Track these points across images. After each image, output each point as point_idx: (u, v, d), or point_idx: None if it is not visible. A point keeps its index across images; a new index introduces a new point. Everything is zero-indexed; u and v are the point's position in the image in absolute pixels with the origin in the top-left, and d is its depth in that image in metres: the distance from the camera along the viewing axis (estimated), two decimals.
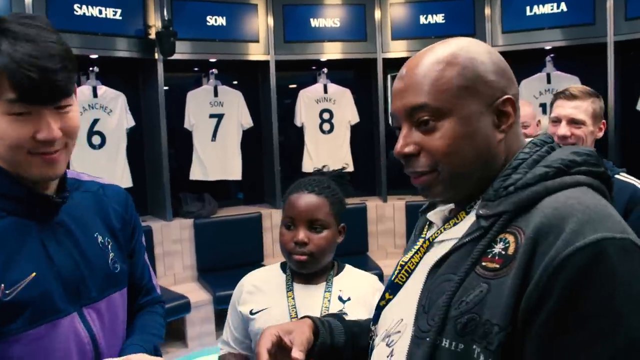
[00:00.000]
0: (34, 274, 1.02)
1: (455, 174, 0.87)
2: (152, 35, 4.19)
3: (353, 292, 1.48)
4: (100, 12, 4.02)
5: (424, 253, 0.93)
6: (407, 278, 0.94)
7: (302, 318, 1.09)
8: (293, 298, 1.46)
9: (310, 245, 1.42)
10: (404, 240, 4.89)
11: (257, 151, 5.05)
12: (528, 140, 0.91)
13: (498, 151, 0.87)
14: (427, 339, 0.80)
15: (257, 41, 4.71)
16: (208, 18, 4.53)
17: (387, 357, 0.89)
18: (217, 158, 4.73)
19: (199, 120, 4.66)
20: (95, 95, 4.14)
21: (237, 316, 1.52)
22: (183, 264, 4.48)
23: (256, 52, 4.73)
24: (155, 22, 4.23)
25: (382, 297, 0.98)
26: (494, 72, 0.87)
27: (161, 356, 1.17)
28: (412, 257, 0.95)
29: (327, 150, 5.02)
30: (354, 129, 5.14)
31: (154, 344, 1.24)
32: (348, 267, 1.57)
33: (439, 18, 4.92)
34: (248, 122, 4.82)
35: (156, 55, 4.23)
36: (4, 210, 1.03)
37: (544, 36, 4.59)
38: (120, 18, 4.11)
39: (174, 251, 4.41)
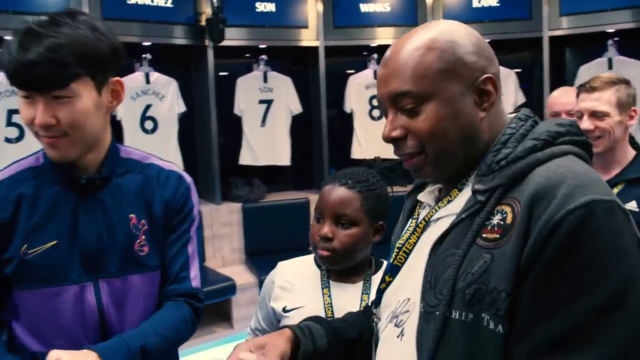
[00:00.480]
0: (55, 241, 1.18)
1: (442, 153, 0.90)
2: (203, 22, 4.24)
3: None
4: (152, 0, 4.09)
5: (421, 233, 0.97)
6: (406, 259, 0.98)
7: (281, 328, 1.09)
8: (329, 296, 1.40)
9: (335, 242, 1.35)
10: None
11: (306, 137, 5.06)
12: (511, 115, 0.95)
13: (481, 129, 0.91)
14: (437, 312, 0.83)
15: (307, 27, 4.70)
16: (257, 4, 4.55)
17: (398, 337, 0.93)
18: (266, 143, 4.77)
19: (248, 105, 4.71)
20: (147, 81, 4.24)
21: (267, 311, 1.49)
22: (231, 246, 4.56)
23: (306, 38, 4.72)
24: (205, 9, 4.28)
25: (382, 280, 1.02)
26: (473, 53, 0.90)
27: (146, 357, 1.19)
28: (408, 238, 0.98)
29: (377, 137, 4.93)
30: None
31: (147, 343, 1.20)
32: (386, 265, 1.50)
33: (493, 1, 4.77)
34: (297, 108, 4.83)
35: (206, 42, 4.29)
36: (54, 179, 1.20)
37: (607, 18, 4.38)
38: (172, 6, 4.19)
39: (222, 234, 4.50)
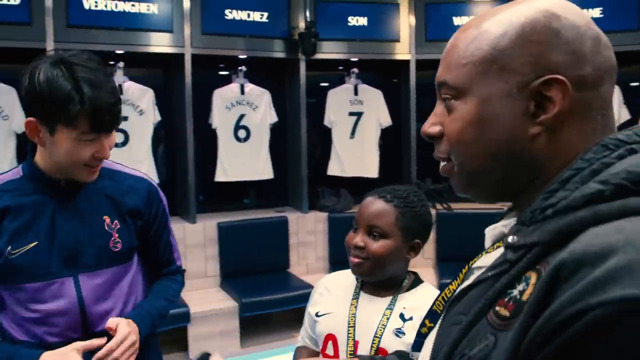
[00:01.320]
0: (35, 243, 1.33)
1: (466, 169, 0.71)
2: (296, 36, 4.38)
3: (418, 312, 1.36)
4: (249, 15, 4.30)
5: (462, 279, 0.77)
6: (444, 307, 0.78)
7: (353, 357, 1.11)
8: (356, 307, 1.42)
9: (366, 251, 1.36)
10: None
11: (395, 150, 5.06)
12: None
13: (533, 149, 0.66)
14: None
15: (399, 40, 4.72)
16: (350, 18, 4.64)
17: None
18: (355, 155, 4.83)
19: (338, 117, 4.79)
20: (242, 92, 4.43)
21: (308, 315, 1.54)
22: (316, 255, 4.64)
23: (397, 51, 4.75)
24: (299, 23, 4.42)
25: (423, 324, 0.85)
26: (547, 44, 0.65)
27: (165, 318, 1.51)
28: (451, 282, 0.81)
29: None
30: None
31: (161, 307, 1.53)
32: (424, 285, 1.46)
33: (596, 12, 4.56)
34: (387, 121, 4.85)
35: (299, 55, 4.42)
36: (32, 189, 1.35)
37: None
38: (267, 20, 4.37)
39: (308, 242, 4.59)
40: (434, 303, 0.83)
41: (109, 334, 1.37)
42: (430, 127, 0.74)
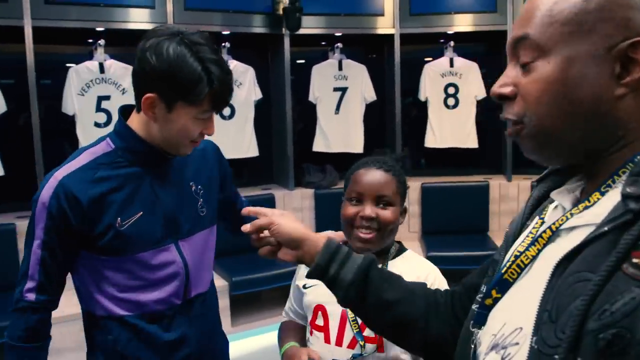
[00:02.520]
0: (141, 212, 1.36)
1: (543, 130, 0.72)
2: (280, 11, 4.33)
3: (406, 277, 1.40)
4: None
5: (545, 244, 0.75)
6: (519, 274, 0.77)
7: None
8: None
9: (378, 221, 1.39)
10: None
11: (380, 125, 5.07)
12: None
13: (618, 109, 0.68)
14: (556, 356, 0.62)
15: (383, 15, 4.69)
16: None
17: None
18: (340, 131, 4.82)
19: (323, 93, 4.77)
20: None
21: (295, 289, 1.57)
22: None
23: (381, 26, 4.72)
24: None
25: (488, 295, 0.80)
26: (633, 7, 0.68)
27: None
28: (527, 248, 0.76)
29: (451, 126, 4.91)
30: (481, 104, 4.98)
31: None
32: (408, 253, 1.51)
33: None
34: (371, 96, 4.84)
35: (283, 31, 4.38)
36: (128, 160, 1.37)
37: None
38: None
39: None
40: (505, 271, 0.78)
41: (202, 300, 1.49)
42: (502, 87, 0.75)
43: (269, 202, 4.48)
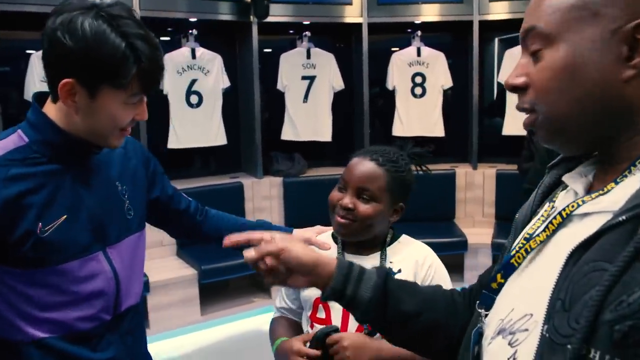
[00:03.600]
0: (64, 216, 1.17)
1: (553, 118, 0.72)
2: None
3: (403, 263, 1.42)
4: None
5: (556, 229, 0.73)
6: (524, 258, 0.77)
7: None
8: None
9: (355, 213, 1.36)
10: (492, 209, 4.79)
11: (347, 114, 5.09)
12: None
13: (626, 94, 0.68)
14: (569, 345, 0.61)
15: (351, 3, 4.69)
16: None
17: (509, 359, 0.72)
18: (308, 119, 4.83)
19: (291, 81, 4.76)
20: (193, 56, 4.34)
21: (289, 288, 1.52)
22: (271, 220, 4.64)
23: (349, 15, 4.72)
24: None
25: (494, 279, 0.80)
26: None
27: None
28: (536, 233, 0.76)
29: (418, 115, 4.97)
30: (447, 93, 5.04)
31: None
32: (404, 237, 1.50)
33: None
34: (339, 85, 4.85)
35: (251, 18, 4.34)
36: (45, 156, 1.16)
37: None
38: None
39: (263, 207, 4.60)
40: (510, 257, 0.78)
41: (133, 314, 1.32)
42: (515, 78, 0.75)
43: (238, 191, 4.47)
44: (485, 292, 0.82)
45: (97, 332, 1.24)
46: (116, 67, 1.08)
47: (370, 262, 1.41)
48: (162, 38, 4.60)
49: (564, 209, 0.73)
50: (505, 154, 4.93)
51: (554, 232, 0.73)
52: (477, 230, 4.69)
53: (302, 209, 4.64)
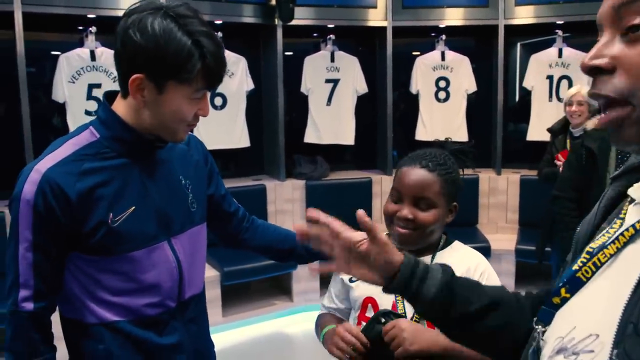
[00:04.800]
0: (133, 207, 1.25)
1: None
2: (273, 2, 4.32)
3: (455, 268, 1.40)
4: None
5: (625, 243, 0.67)
6: (594, 273, 0.69)
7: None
8: None
9: (415, 222, 1.35)
10: (516, 214, 4.74)
11: (371, 117, 5.08)
12: None
13: None
14: None
15: (375, 7, 4.69)
16: None
17: None
18: (331, 122, 4.83)
19: (315, 84, 4.77)
20: None
21: (339, 282, 1.54)
22: (293, 222, 4.64)
23: (374, 18, 4.72)
24: None
25: (557, 293, 0.73)
26: None
27: None
28: (604, 245, 0.69)
29: (442, 119, 4.94)
30: (471, 98, 5.00)
31: None
32: (456, 243, 1.48)
33: None
34: (363, 88, 4.85)
35: (276, 21, 4.36)
36: (115, 151, 1.25)
37: None
38: None
39: (285, 210, 4.61)
40: (579, 269, 0.71)
41: (196, 303, 1.39)
42: (596, 58, 0.64)
43: (260, 193, 4.48)
44: (545, 307, 0.75)
45: (163, 319, 1.32)
46: (182, 63, 1.15)
47: None
48: None
49: (638, 222, 0.65)
50: (530, 160, 4.88)
51: (625, 245, 0.67)
52: (501, 236, 4.65)
53: (325, 212, 4.62)
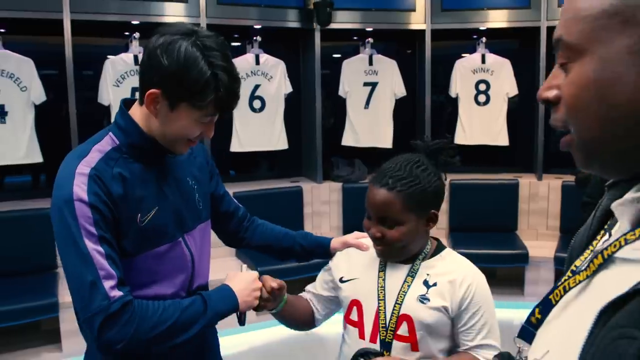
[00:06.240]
0: (156, 208, 1.35)
1: (584, 140, 0.63)
2: (311, 6, 4.36)
3: (440, 277, 1.41)
4: None
5: (595, 270, 0.64)
6: (561, 297, 0.69)
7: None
8: (384, 279, 1.44)
9: (385, 240, 1.38)
10: (557, 221, 4.63)
11: (409, 120, 5.05)
12: None
13: None
14: None
15: (414, 10, 4.67)
16: None
17: None
18: (369, 125, 4.83)
19: (353, 88, 4.78)
20: (257, 62, 4.44)
21: (329, 275, 1.60)
22: (330, 224, 4.69)
23: (413, 21, 4.70)
24: None
25: (532, 312, 0.74)
26: None
27: None
28: (578, 270, 0.68)
29: (481, 123, 4.88)
30: (513, 101, 4.92)
31: None
32: (446, 251, 1.49)
33: None
34: (401, 91, 4.84)
35: (314, 25, 4.40)
36: (133, 157, 1.34)
37: None
38: None
39: (322, 212, 4.64)
40: (550, 292, 0.71)
41: (204, 289, 1.48)
42: (546, 90, 0.67)
43: (297, 195, 4.52)
44: (524, 324, 0.74)
45: None
46: (198, 91, 1.24)
47: (404, 272, 1.43)
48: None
49: (605, 249, 0.63)
50: (573, 165, 4.72)
51: (595, 272, 0.64)
52: (540, 243, 4.55)
53: (361, 214, 4.61)
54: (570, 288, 0.67)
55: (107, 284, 1.21)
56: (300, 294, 1.69)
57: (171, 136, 1.32)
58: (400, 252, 1.42)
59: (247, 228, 1.73)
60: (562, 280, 0.70)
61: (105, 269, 1.21)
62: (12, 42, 3.82)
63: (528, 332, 0.74)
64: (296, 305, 1.62)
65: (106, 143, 1.33)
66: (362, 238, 1.59)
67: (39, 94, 3.79)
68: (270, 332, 3.93)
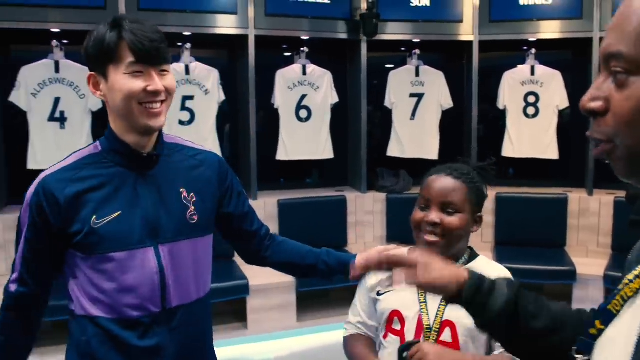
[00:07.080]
0: (118, 212, 1.36)
1: (636, 154, 0.64)
2: (358, 17, 4.40)
3: None
4: None
5: None
6: (622, 306, 0.70)
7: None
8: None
9: (442, 227, 1.40)
10: (608, 239, 4.48)
11: (456, 132, 5.01)
12: None
13: None
14: None
15: (462, 21, 4.65)
16: None
17: None
18: (415, 137, 4.82)
19: (399, 99, 4.78)
20: (304, 73, 4.50)
21: (365, 296, 1.56)
22: (374, 234, 4.69)
23: (460, 32, 4.68)
24: (361, 4, 4.43)
25: (591, 324, 0.74)
26: None
27: None
28: (634, 279, 0.69)
29: (530, 136, 4.79)
30: (564, 114, 4.81)
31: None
32: (481, 258, 1.52)
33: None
34: (448, 103, 4.81)
35: (361, 36, 4.43)
36: (113, 161, 1.39)
37: None
38: (329, 1, 4.41)
39: (365, 222, 4.65)
40: (608, 303, 0.72)
41: (184, 312, 1.42)
42: (592, 101, 0.67)
43: (341, 204, 4.55)
44: (583, 337, 0.75)
45: (145, 322, 1.38)
46: (107, 47, 1.30)
47: None
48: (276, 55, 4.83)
49: None
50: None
51: None
52: (590, 260, 4.41)
53: (405, 225, 4.59)
54: (628, 297, 0.68)
55: (13, 275, 1.40)
56: (350, 332, 1.61)
57: (123, 109, 1.33)
58: (450, 247, 1.43)
59: (269, 247, 1.66)
60: (619, 289, 0.70)
61: (18, 263, 1.39)
62: (72, 52, 3.99)
63: (586, 344, 0.74)
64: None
65: (87, 150, 1.42)
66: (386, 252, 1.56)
67: (96, 102, 3.95)
68: (311, 338, 3.95)
